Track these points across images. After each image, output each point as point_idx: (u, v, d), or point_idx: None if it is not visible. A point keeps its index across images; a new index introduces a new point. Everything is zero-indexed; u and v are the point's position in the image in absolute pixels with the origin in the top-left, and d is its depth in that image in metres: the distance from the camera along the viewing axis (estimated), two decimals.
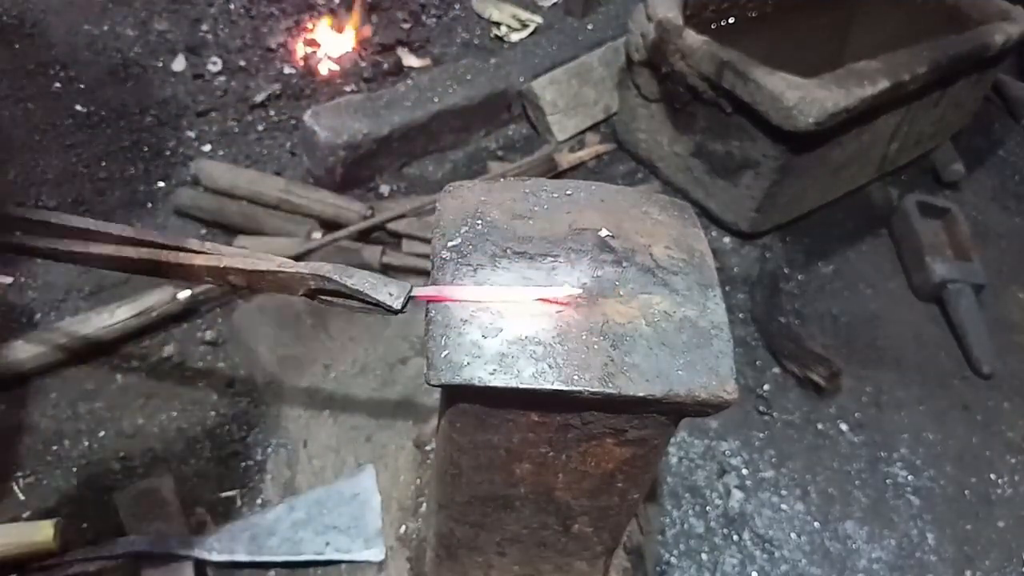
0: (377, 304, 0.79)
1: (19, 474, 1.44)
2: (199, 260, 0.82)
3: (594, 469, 0.87)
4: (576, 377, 0.72)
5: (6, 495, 1.41)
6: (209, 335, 1.70)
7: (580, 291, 0.78)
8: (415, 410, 1.62)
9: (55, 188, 1.93)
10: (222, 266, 0.81)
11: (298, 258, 1.81)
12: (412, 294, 0.79)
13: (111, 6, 2.39)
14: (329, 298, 0.82)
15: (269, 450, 1.54)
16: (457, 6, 2.60)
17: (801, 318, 2.00)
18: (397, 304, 0.78)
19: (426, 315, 0.77)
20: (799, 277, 2.11)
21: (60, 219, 0.88)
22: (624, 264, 0.83)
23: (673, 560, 1.51)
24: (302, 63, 2.33)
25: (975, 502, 1.70)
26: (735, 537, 1.56)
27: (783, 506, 1.62)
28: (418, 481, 1.47)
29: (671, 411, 0.78)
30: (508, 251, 0.82)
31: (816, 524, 1.61)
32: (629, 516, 1.00)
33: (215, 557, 1.32)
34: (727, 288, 2.03)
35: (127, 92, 2.20)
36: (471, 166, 2.24)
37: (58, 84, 2.17)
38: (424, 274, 1.83)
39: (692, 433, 1.71)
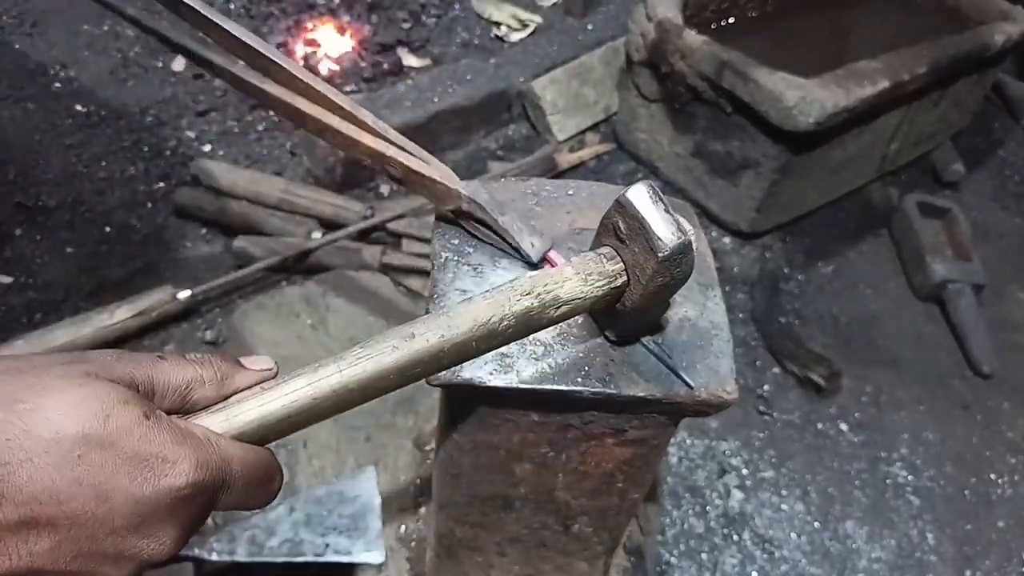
0: (516, 250, 0.80)
1: None
2: (367, 140, 0.78)
3: (594, 469, 0.87)
4: (576, 377, 0.72)
5: None
6: (209, 335, 1.70)
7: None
8: (415, 410, 1.62)
9: (55, 188, 1.93)
10: (387, 155, 0.77)
11: (299, 258, 1.82)
12: (549, 255, 0.79)
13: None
14: (474, 224, 0.81)
15: None
16: (457, 6, 2.60)
17: (801, 318, 2.00)
18: (534, 256, 0.79)
19: (426, 315, 0.77)
20: (799, 277, 2.11)
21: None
22: None
23: (673, 560, 1.51)
24: (302, 63, 2.33)
25: (975, 502, 1.70)
26: (735, 537, 1.56)
27: (783, 506, 1.62)
28: (418, 481, 1.48)
29: (671, 411, 0.78)
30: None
31: (816, 524, 1.61)
32: (629, 516, 1.00)
33: (215, 557, 1.32)
34: (727, 288, 2.03)
35: (127, 92, 2.20)
36: (471, 166, 2.24)
37: (58, 84, 2.17)
38: (424, 274, 1.83)
39: (692, 433, 1.71)
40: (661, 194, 0.66)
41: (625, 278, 0.66)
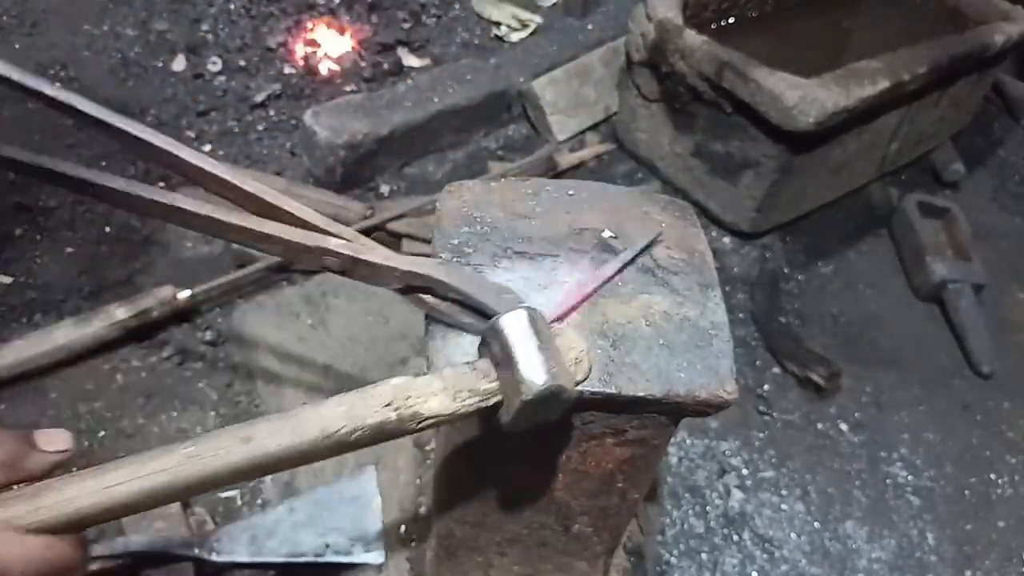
0: (476, 310, 0.70)
1: None
2: (298, 237, 0.71)
3: (594, 469, 0.87)
4: None
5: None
6: (209, 335, 1.70)
7: None
8: None
9: (55, 188, 1.93)
10: (326, 247, 0.71)
11: None
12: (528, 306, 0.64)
13: (111, 6, 2.39)
14: (427, 298, 0.74)
15: None
16: (457, 6, 2.60)
17: (801, 318, 2.00)
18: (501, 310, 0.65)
19: (426, 315, 0.77)
20: (799, 277, 2.11)
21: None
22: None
23: (673, 560, 1.51)
24: (302, 63, 2.33)
25: (975, 502, 1.70)
26: (735, 537, 1.56)
27: (783, 506, 1.62)
28: (418, 481, 1.47)
29: (671, 411, 0.78)
30: (508, 251, 0.82)
31: (816, 524, 1.61)
32: (629, 516, 1.00)
33: (215, 557, 1.32)
34: (727, 288, 2.03)
35: (127, 92, 2.20)
36: (471, 166, 2.24)
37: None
38: None
39: (692, 433, 1.71)
40: (544, 323, 0.58)
41: (499, 397, 0.60)
